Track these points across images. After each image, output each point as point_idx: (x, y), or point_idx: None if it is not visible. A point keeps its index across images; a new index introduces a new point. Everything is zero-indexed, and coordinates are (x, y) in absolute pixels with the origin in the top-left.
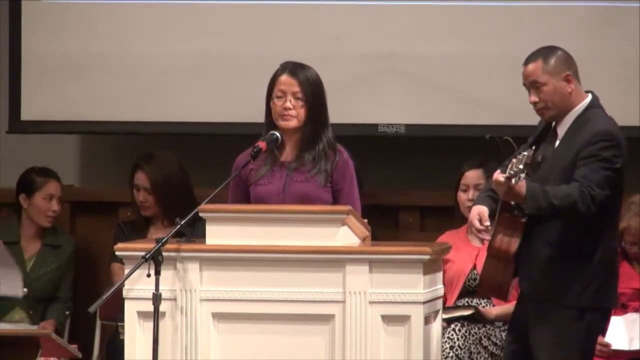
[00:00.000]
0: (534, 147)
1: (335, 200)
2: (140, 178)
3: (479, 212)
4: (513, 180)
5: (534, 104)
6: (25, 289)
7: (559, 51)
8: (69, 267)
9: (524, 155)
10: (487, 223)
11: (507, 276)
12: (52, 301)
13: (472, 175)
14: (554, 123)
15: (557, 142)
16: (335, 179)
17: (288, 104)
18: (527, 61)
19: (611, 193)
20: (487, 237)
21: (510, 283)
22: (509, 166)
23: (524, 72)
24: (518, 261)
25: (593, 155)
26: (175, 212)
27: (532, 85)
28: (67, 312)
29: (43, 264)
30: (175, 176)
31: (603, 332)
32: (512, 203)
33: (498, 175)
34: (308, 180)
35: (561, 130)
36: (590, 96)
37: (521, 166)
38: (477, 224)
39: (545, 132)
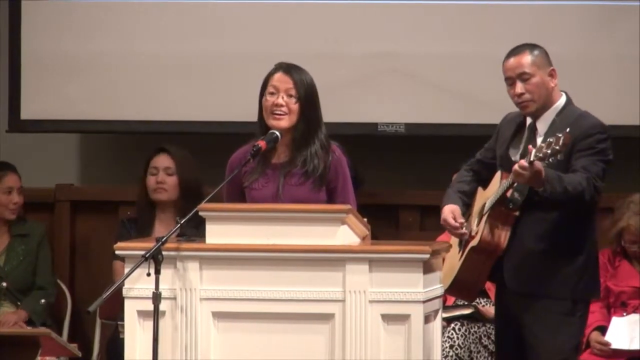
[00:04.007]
0: (507, 146)
1: (330, 199)
2: (162, 160)
3: (452, 210)
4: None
5: (519, 95)
6: (4, 283)
7: (540, 47)
8: (42, 251)
9: (558, 136)
10: (462, 220)
11: (482, 276)
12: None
13: None
14: (528, 121)
15: (540, 138)
16: (329, 178)
17: (280, 101)
18: (512, 54)
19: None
20: (464, 232)
21: (482, 285)
22: (533, 151)
23: (509, 64)
24: (503, 256)
25: (591, 148)
26: (189, 199)
27: (519, 77)
28: (42, 301)
29: (15, 255)
30: (195, 165)
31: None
32: (508, 195)
33: (522, 161)
34: (302, 184)
35: (542, 126)
36: (564, 94)
37: (557, 147)
38: (451, 221)
39: (517, 131)
